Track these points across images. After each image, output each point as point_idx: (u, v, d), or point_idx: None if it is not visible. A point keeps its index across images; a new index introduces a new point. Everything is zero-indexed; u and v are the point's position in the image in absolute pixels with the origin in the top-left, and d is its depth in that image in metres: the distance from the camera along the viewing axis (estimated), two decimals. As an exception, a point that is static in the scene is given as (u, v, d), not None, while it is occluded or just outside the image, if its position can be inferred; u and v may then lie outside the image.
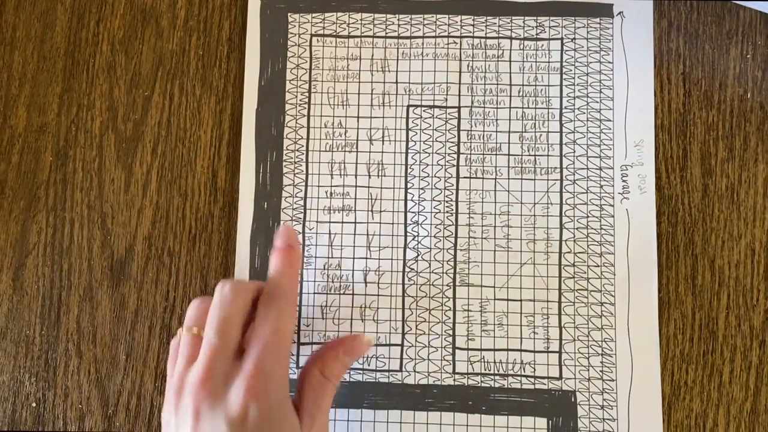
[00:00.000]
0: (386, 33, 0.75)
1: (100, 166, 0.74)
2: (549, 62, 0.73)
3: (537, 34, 0.74)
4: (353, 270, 0.71)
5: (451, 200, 0.72)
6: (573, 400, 0.69)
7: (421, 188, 0.73)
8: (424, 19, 0.74)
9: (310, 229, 0.72)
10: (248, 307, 0.59)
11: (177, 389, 0.56)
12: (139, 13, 0.76)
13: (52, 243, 0.73)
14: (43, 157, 0.74)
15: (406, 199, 0.72)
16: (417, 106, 0.74)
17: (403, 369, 0.70)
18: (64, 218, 0.73)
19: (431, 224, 0.72)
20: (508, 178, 0.72)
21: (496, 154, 0.73)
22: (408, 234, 0.72)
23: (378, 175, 0.73)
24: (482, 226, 0.72)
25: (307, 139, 0.73)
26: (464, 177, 0.73)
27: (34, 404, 0.71)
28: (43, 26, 0.76)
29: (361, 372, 0.70)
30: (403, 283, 0.71)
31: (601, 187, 0.72)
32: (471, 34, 0.74)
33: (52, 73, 0.75)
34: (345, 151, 0.73)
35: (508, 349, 0.70)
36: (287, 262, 0.62)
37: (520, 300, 0.71)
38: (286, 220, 0.72)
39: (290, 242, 0.63)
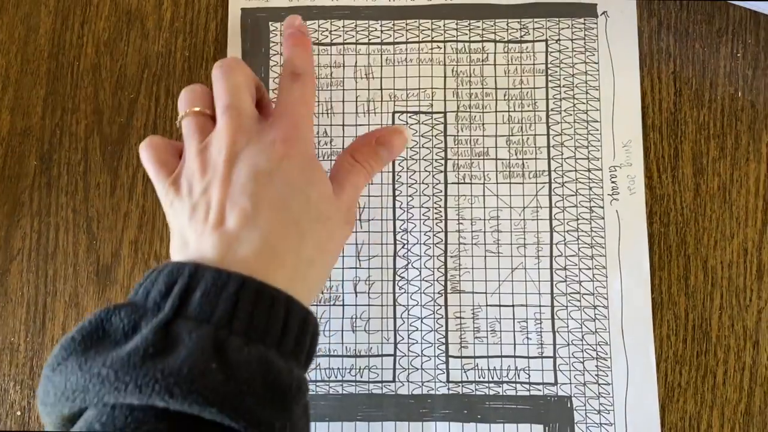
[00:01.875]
0: (369, 39, 0.71)
1: (85, 170, 0.69)
2: (534, 64, 0.70)
3: (521, 37, 0.70)
4: (343, 280, 0.67)
5: (440, 206, 0.68)
6: (569, 405, 0.64)
7: (409, 195, 0.68)
8: (407, 24, 0.70)
9: None
10: (252, 81, 0.57)
11: (199, 162, 0.53)
12: (124, 14, 0.71)
13: (37, 248, 0.68)
14: (27, 161, 0.69)
15: (394, 207, 0.68)
16: (403, 112, 0.70)
17: (397, 379, 0.66)
18: (49, 223, 0.69)
19: (420, 231, 0.68)
20: (497, 183, 0.68)
21: (483, 159, 0.68)
22: (397, 242, 0.68)
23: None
24: (472, 231, 0.68)
25: None
26: (452, 183, 0.68)
27: (18, 413, 0.67)
28: (26, 28, 0.71)
29: (353, 384, 0.66)
30: (394, 292, 0.67)
31: (590, 188, 0.67)
32: (455, 39, 0.70)
33: (36, 76, 0.71)
34: (332, 159, 0.69)
35: (501, 356, 0.66)
36: (301, 43, 0.59)
37: (513, 305, 0.66)
38: None
39: (301, 28, 0.60)
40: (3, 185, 0.69)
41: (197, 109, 0.55)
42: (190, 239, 0.50)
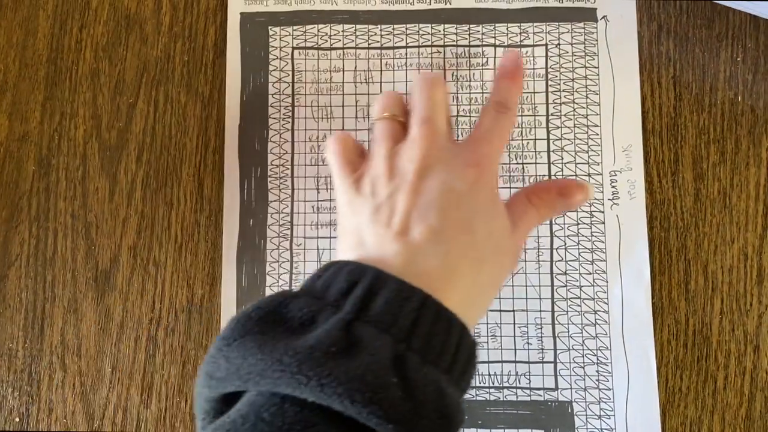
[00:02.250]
0: (369, 44, 0.71)
1: (83, 175, 0.69)
2: (534, 69, 0.70)
3: (521, 41, 0.70)
4: None
5: None
6: (570, 410, 0.65)
7: None
8: (406, 28, 0.70)
9: (298, 245, 0.68)
10: (448, 102, 0.57)
11: (386, 166, 0.53)
12: (123, 19, 0.71)
13: (35, 254, 0.68)
14: (26, 167, 0.69)
15: None
16: None
17: None
18: (48, 228, 0.69)
19: None
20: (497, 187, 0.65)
21: None
22: None
23: None
24: None
25: (292, 153, 0.69)
26: None
27: (17, 419, 0.67)
28: (24, 33, 0.71)
29: None
30: None
31: None
32: (454, 43, 0.70)
33: (35, 81, 0.70)
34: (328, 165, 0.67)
35: (502, 361, 0.65)
36: (518, 81, 0.58)
37: (513, 310, 0.66)
38: (273, 237, 0.68)
39: (517, 62, 0.59)
40: (1, 190, 0.69)
41: (393, 115, 0.56)
42: (368, 240, 0.50)
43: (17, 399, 0.66)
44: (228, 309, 0.65)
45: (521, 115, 0.68)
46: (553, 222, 0.66)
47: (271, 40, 0.70)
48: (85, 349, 0.67)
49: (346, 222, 0.53)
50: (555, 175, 0.67)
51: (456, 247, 0.49)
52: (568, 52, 0.69)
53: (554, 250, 0.66)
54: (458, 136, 0.68)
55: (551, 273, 0.66)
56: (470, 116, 0.68)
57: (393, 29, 0.70)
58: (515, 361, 0.65)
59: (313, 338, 0.41)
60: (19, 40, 0.71)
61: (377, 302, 0.44)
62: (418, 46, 0.70)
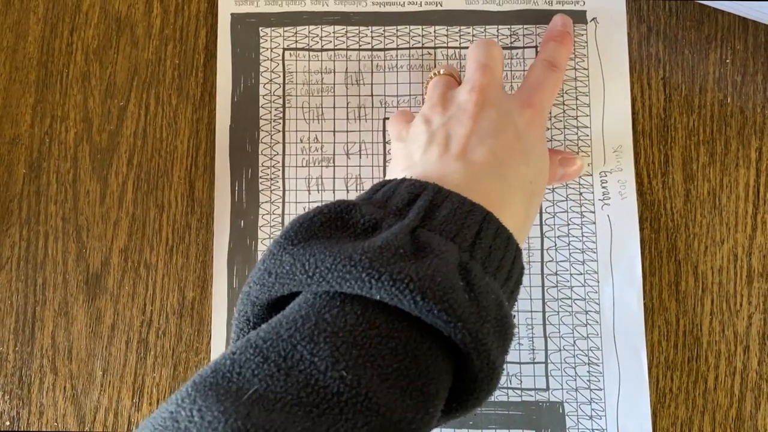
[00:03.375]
0: (360, 45, 0.71)
1: (74, 178, 0.69)
2: (524, 70, 0.70)
3: (511, 43, 0.70)
4: None
5: None
6: (561, 411, 0.65)
7: None
8: (397, 30, 0.71)
9: None
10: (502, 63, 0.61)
11: (439, 102, 0.58)
12: (114, 22, 0.71)
13: (26, 257, 0.69)
14: (16, 170, 0.70)
15: None
16: None
17: None
18: (38, 231, 0.69)
19: None
20: None
21: None
22: None
23: (356, 190, 0.69)
24: None
25: (283, 154, 0.70)
26: None
27: (8, 423, 0.67)
28: (15, 36, 0.72)
29: None
30: None
31: (581, 194, 0.68)
32: (445, 45, 0.70)
33: (25, 84, 0.71)
34: (322, 166, 0.69)
35: None
36: (568, 43, 0.66)
37: None
38: (264, 239, 0.68)
39: (566, 25, 0.67)
40: None
41: (447, 71, 0.61)
42: (424, 161, 0.53)
43: (8, 402, 0.66)
44: (219, 311, 0.66)
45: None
46: (543, 223, 0.67)
47: (261, 41, 0.70)
48: (76, 352, 0.67)
49: (399, 151, 0.56)
50: None
51: (514, 174, 0.52)
52: (558, 54, 0.70)
53: (545, 251, 0.67)
54: None
55: (542, 273, 0.66)
56: None
57: (384, 31, 0.71)
58: (506, 362, 0.64)
59: (381, 240, 0.43)
60: (10, 44, 0.71)
61: (441, 212, 0.46)
62: (409, 48, 0.70)
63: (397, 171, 0.55)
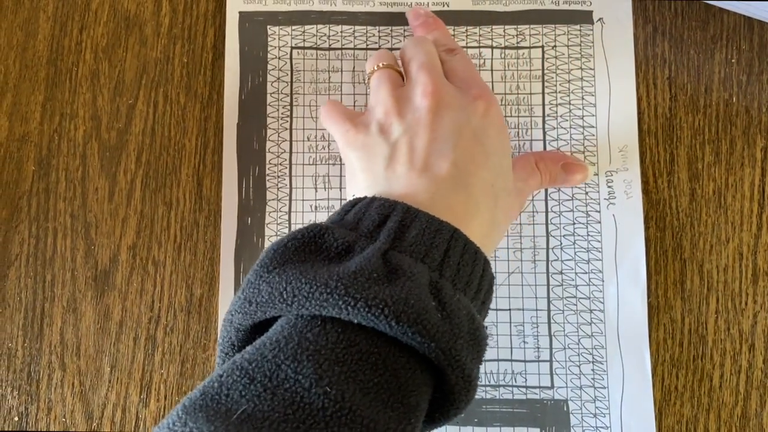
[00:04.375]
0: (367, 45, 0.71)
1: (83, 176, 0.70)
2: (530, 70, 0.71)
3: (518, 43, 0.71)
4: None
5: None
6: (565, 409, 0.65)
7: None
8: (404, 30, 0.71)
9: None
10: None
11: (393, 106, 0.57)
12: (123, 20, 0.72)
13: (35, 254, 0.69)
14: (26, 167, 0.70)
15: None
16: None
17: None
18: (47, 228, 0.69)
19: None
20: None
21: None
22: None
23: None
24: None
25: (290, 152, 0.70)
26: None
27: (16, 418, 0.68)
28: (25, 34, 0.72)
29: None
30: None
31: (587, 193, 0.68)
32: None
33: (35, 82, 0.71)
34: (329, 164, 0.70)
35: (498, 360, 0.66)
36: (439, 26, 0.67)
37: (509, 309, 0.67)
38: (271, 236, 0.69)
39: (428, 15, 0.68)
40: (1, 191, 0.70)
41: (390, 64, 0.60)
42: (389, 178, 0.54)
43: (16, 398, 0.67)
44: (226, 308, 0.65)
45: (518, 116, 0.69)
46: (549, 222, 0.67)
47: (269, 39, 0.71)
48: (84, 348, 0.67)
49: (356, 162, 0.56)
50: None
51: (477, 182, 0.53)
52: (564, 54, 0.70)
53: (550, 250, 0.67)
54: None
55: (547, 272, 0.67)
56: None
57: (391, 30, 0.71)
58: (511, 360, 0.66)
59: (355, 265, 0.44)
60: (20, 42, 0.71)
61: (410, 234, 0.48)
62: (416, 48, 0.71)
63: (360, 185, 0.56)
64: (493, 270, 0.65)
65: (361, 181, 0.56)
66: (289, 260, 0.46)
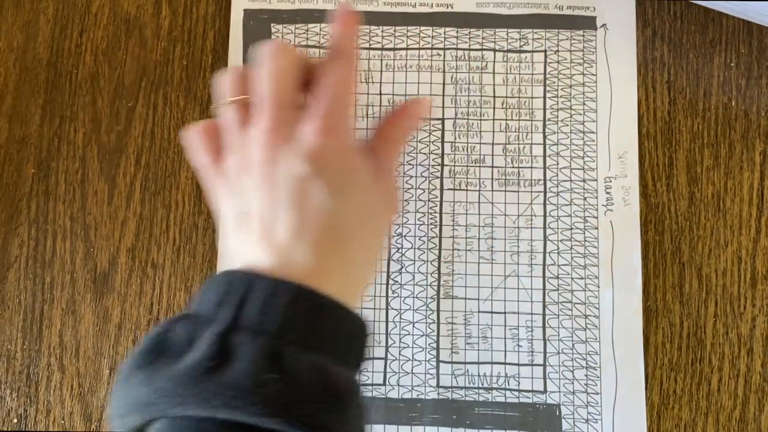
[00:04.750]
0: (370, 45, 0.72)
1: (83, 178, 0.71)
2: (532, 74, 0.71)
3: (520, 47, 0.71)
4: None
5: (435, 212, 0.69)
6: (558, 413, 0.66)
7: (405, 200, 0.69)
8: (407, 31, 0.72)
9: None
10: (300, 67, 0.56)
11: (239, 157, 0.54)
12: (123, 23, 0.73)
13: (34, 256, 0.70)
14: (25, 169, 0.71)
15: None
16: None
17: (387, 383, 0.67)
18: (47, 231, 0.70)
19: (415, 236, 0.69)
20: (492, 190, 0.69)
21: (480, 166, 0.70)
22: (392, 246, 0.69)
23: None
24: (466, 238, 0.69)
25: None
26: (448, 189, 0.69)
27: (15, 420, 0.68)
28: (25, 37, 0.73)
29: None
30: (387, 296, 0.68)
31: (585, 199, 0.69)
32: (455, 46, 0.71)
33: (35, 84, 0.72)
34: None
35: (492, 362, 0.67)
36: (347, 25, 0.59)
37: (504, 312, 0.67)
38: None
39: (350, 9, 0.61)
40: (1, 193, 0.70)
41: (238, 98, 0.56)
42: (236, 247, 0.52)
43: (15, 400, 0.68)
44: None
45: (518, 120, 0.69)
46: (547, 226, 0.68)
47: (273, 37, 0.71)
48: (84, 350, 0.68)
49: (219, 211, 0.55)
50: (550, 180, 0.68)
51: (320, 236, 0.51)
52: (566, 59, 0.70)
53: (547, 254, 0.67)
54: (458, 140, 0.69)
55: (543, 276, 0.67)
56: (468, 119, 0.70)
57: (394, 31, 0.71)
58: (505, 363, 0.66)
59: (190, 359, 0.44)
60: (20, 44, 0.72)
61: (250, 307, 0.46)
62: (419, 49, 0.71)
63: (222, 234, 0.57)
64: (490, 272, 0.67)
65: (221, 229, 0.57)
66: (141, 366, 0.46)
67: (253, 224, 0.51)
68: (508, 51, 0.71)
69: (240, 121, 0.55)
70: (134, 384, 0.45)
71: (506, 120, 0.70)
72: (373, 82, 0.71)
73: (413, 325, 0.67)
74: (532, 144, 0.69)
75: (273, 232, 0.50)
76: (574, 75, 0.70)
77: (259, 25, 0.72)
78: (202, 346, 0.45)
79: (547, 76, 0.71)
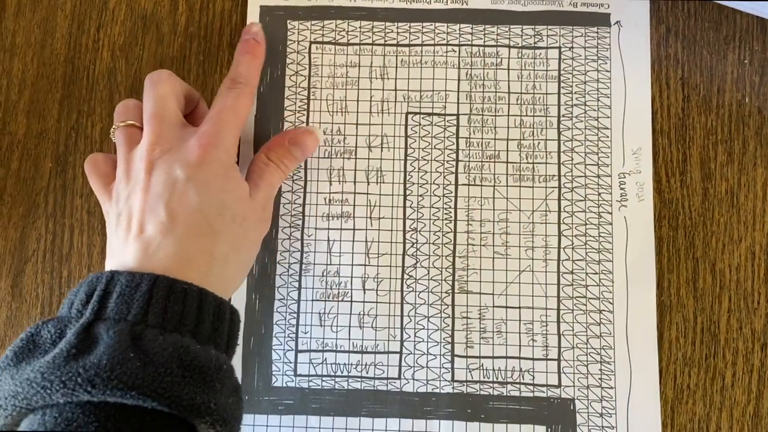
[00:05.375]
0: (385, 41, 0.72)
1: None
2: (547, 70, 0.71)
3: (535, 43, 0.72)
4: (352, 277, 0.69)
5: (450, 207, 0.69)
6: (572, 408, 0.66)
7: (420, 195, 0.70)
8: (423, 27, 0.72)
9: (309, 236, 0.69)
10: (181, 91, 0.64)
11: (124, 170, 0.60)
12: (140, 19, 0.73)
13: (52, 249, 0.70)
14: (43, 164, 0.71)
15: (404, 206, 0.70)
16: (416, 113, 0.71)
17: (402, 377, 0.67)
18: (64, 224, 0.70)
19: (430, 231, 0.69)
20: (507, 186, 0.69)
21: (494, 162, 0.70)
22: (406, 241, 0.69)
23: (377, 182, 0.70)
24: (481, 233, 0.69)
25: None
26: (463, 184, 0.70)
27: None
28: (43, 32, 0.73)
29: (359, 380, 0.67)
30: (402, 291, 0.68)
31: (599, 194, 0.69)
32: (470, 42, 0.72)
33: (52, 80, 0.72)
34: (344, 157, 0.70)
35: (506, 357, 0.67)
36: (251, 53, 0.66)
37: (519, 307, 0.67)
38: (285, 227, 0.70)
39: (256, 36, 0.68)
40: (19, 187, 0.70)
41: (128, 122, 0.62)
42: (114, 247, 0.57)
43: None
44: (239, 298, 0.68)
45: (533, 116, 0.70)
46: (561, 222, 0.68)
47: (289, 33, 0.72)
48: (100, 343, 0.68)
49: (108, 229, 0.60)
50: (565, 176, 0.69)
51: (188, 231, 0.56)
52: (581, 56, 0.71)
53: (562, 249, 0.68)
54: (473, 135, 0.70)
55: (558, 271, 0.67)
56: (482, 114, 0.70)
57: (409, 27, 0.72)
58: (519, 357, 0.66)
59: (57, 349, 0.48)
60: (38, 40, 0.72)
61: (112, 299, 0.51)
62: (434, 45, 0.71)
63: (108, 242, 0.60)
64: (505, 267, 0.68)
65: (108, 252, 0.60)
66: (7, 367, 0.49)
67: (128, 224, 0.57)
68: (523, 47, 0.71)
69: (127, 143, 0.61)
70: (3, 381, 0.48)
71: (521, 116, 0.70)
72: (388, 78, 0.71)
73: (428, 320, 0.67)
74: (546, 140, 0.70)
75: (144, 228, 0.55)
76: (588, 71, 0.71)
77: (275, 21, 0.72)
78: (67, 338, 0.48)
79: (562, 72, 0.71)
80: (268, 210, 0.64)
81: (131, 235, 0.56)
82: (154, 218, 0.55)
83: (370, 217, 0.69)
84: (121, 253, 0.56)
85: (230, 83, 0.63)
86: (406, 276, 0.68)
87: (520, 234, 0.68)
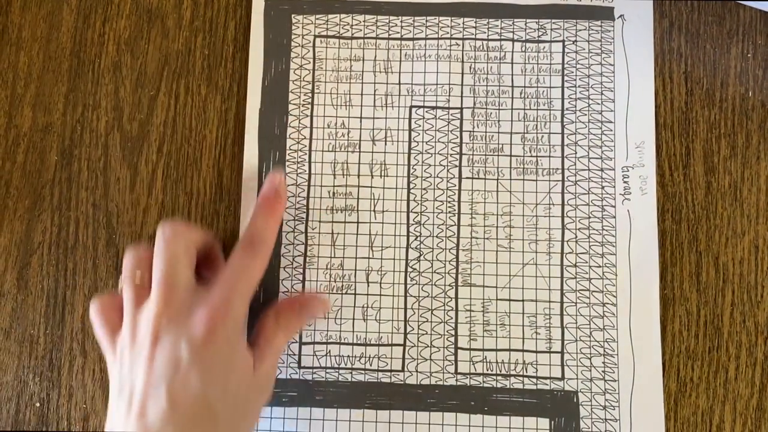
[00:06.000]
0: (389, 34, 0.72)
1: (105, 166, 0.71)
2: (550, 64, 0.71)
3: (539, 37, 0.72)
4: (355, 270, 0.69)
5: (454, 200, 0.69)
6: (575, 400, 0.66)
7: (424, 188, 0.70)
8: (426, 21, 0.72)
9: (313, 229, 0.70)
10: (194, 248, 0.61)
11: (130, 330, 0.58)
12: (145, 13, 0.73)
13: (57, 242, 0.70)
14: (48, 157, 0.71)
15: (408, 200, 0.70)
16: (419, 107, 0.71)
17: (405, 369, 0.67)
18: (69, 217, 0.71)
19: (433, 224, 0.69)
20: (510, 179, 0.70)
21: (498, 155, 0.70)
22: (410, 234, 0.69)
23: (380, 176, 0.70)
24: (484, 226, 0.69)
25: (310, 139, 0.71)
26: (466, 177, 0.70)
27: (38, 404, 0.69)
28: (48, 26, 0.73)
29: (363, 372, 0.67)
30: (406, 283, 0.68)
31: (603, 188, 0.69)
32: (473, 36, 0.72)
33: (58, 73, 0.73)
34: (348, 151, 0.71)
35: (510, 350, 0.67)
36: (271, 210, 0.65)
37: (522, 300, 0.68)
38: (289, 220, 0.70)
39: (278, 190, 0.66)
40: (24, 180, 0.71)
41: (134, 276, 0.61)
42: (115, 420, 0.56)
43: (38, 384, 0.68)
44: None
45: (537, 109, 0.70)
46: (565, 215, 0.68)
47: (293, 27, 0.72)
48: (105, 335, 0.69)
49: (110, 390, 0.58)
50: (568, 169, 0.69)
51: (188, 420, 0.54)
52: (584, 49, 0.71)
53: (565, 243, 0.68)
54: (476, 129, 0.70)
55: (561, 264, 0.68)
56: (486, 108, 0.70)
57: (413, 21, 0.72)
58: (523, 350, 0.66)
59: None
60: (43, 34, 0.73)
61: None
62: (438, 38, 0.71)
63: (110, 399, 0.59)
64: (508, 260, 0.68)
65: (109, 414, 0.58)
66: None
67: (130, 400, 0.55)
68: (527, 41, 0.71)
69: (135, 300, 0.59)
70: None
71: (524, 109, 0.70)
72: (392, 72, 0.71)
73: (432, 312, 0.68)
74: (550, 133, 0.70)
75: (145, 411, 0.54)
76: (592, 65, 0.71)
77: (280, 15, 0.72)
78: None
79: (565, 66, 0.71)
80: (271, 379, 0.64)
81: (132, 414, 0.54)
82: (156, 403, 0.54)
83: (374, 211, 0.69)
84: (122, 428, 0.55)
85: (246, 244, 0.62)
86: (409, 269, 0.68)
87: (523, 227, 0.69)
